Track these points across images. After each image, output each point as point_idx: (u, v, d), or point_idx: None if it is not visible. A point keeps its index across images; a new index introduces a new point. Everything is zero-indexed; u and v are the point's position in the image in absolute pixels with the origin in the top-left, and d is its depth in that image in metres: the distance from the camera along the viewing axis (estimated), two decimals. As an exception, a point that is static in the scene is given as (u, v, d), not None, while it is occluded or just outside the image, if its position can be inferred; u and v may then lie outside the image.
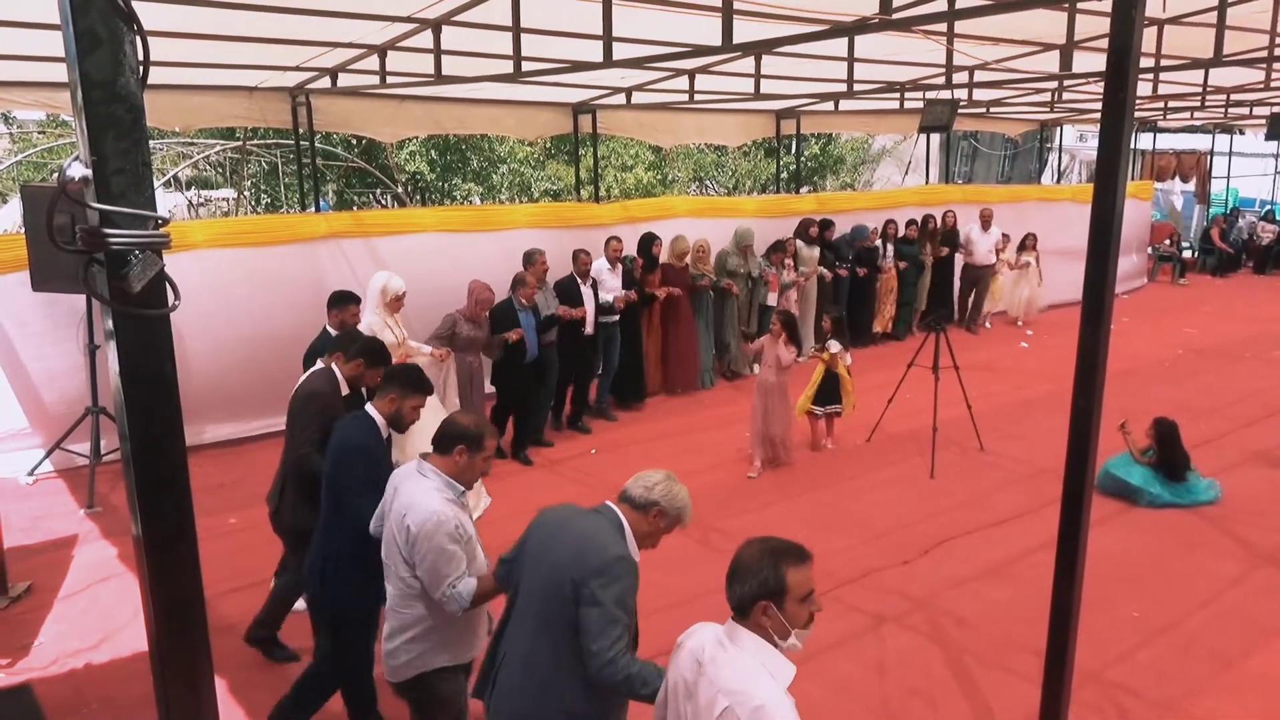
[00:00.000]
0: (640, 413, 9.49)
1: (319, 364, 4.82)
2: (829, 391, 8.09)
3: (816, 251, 11.44)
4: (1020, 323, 13.59)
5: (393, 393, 3.98)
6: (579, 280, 8.69)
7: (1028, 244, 13.53)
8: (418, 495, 3.30)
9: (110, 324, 1.81)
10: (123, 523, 6.51)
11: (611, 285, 9.10)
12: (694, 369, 10.22)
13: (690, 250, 10.05)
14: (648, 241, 9.68)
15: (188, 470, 1.92)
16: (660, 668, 2.77)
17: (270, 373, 7.34)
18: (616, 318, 9.12)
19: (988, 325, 13.53)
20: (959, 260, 13.24)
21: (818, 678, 4.61)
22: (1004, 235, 13.29)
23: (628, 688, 2.80)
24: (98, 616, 5.37)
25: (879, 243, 12.18)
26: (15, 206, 16.15)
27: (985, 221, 13.11)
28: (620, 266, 9.22)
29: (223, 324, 7.82)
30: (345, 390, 4.70)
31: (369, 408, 4.00)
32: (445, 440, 3.39)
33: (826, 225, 11.66)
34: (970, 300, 13.38)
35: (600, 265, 9.02)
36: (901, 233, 12.45)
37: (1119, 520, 6.73)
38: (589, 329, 8.74)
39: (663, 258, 9.86)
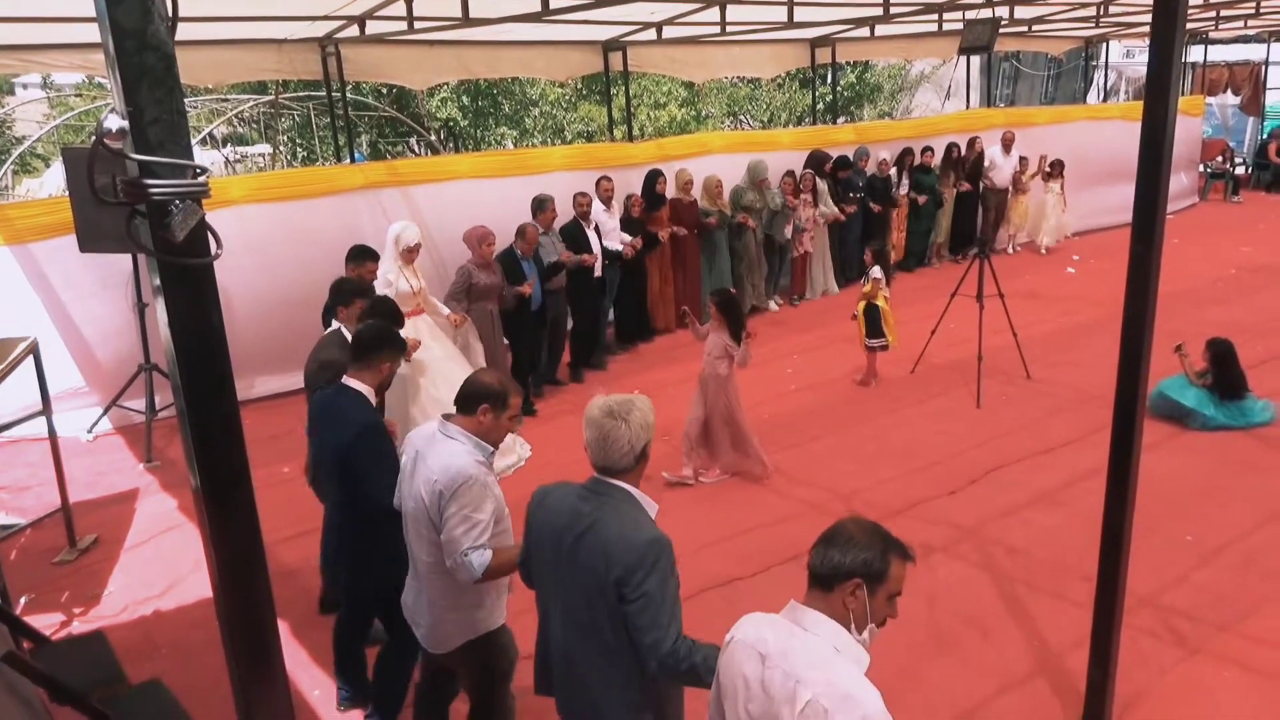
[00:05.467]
0: (653, 351, 9.46)
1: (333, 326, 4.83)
2: (873, 325, 7.96)
3: (826, 186, 11.10)
4: (1045, 249, 13.23)
5: (386, 360, 3.86)
6: (582, 223, 8.62)
7: (1053, 171, 13.08)
8: (448, 458, 3.13)
9: (157, 279, 1.83)
10: (180, 475, 6.68)
11: (609, 227, 9.02)
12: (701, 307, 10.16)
13: (693, 180, 9.90)
14: (652, 179, 9.58)
15: (240, 418, 1.94)
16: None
17: (313, 325, 7.37)
18: (618, 258, 9.05)
19: (1012, 249, 13.25)
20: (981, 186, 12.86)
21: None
22: (1022, 158, 12.95)
23: (692, 678, 2.58)
24: (162, 566, 5.55)
25: (893, 172, 11.81)
26: (58, 170, 16.41)
27: (1007, 145, 12.81)
28: (615, 206, 9.14)
29: (265, 279, 7.89)
30: None
31: (351, 381, 3.81)
32: (469, 400, 3.22)
33: (838, 161, 11.20)
34: (991, 222, 13.06)
35: (596, 207, 8.87)
36: (919, 160, 12.02)
37: (1172, 443, 6.63)
38: (598, 272, 8.69)
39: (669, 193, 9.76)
